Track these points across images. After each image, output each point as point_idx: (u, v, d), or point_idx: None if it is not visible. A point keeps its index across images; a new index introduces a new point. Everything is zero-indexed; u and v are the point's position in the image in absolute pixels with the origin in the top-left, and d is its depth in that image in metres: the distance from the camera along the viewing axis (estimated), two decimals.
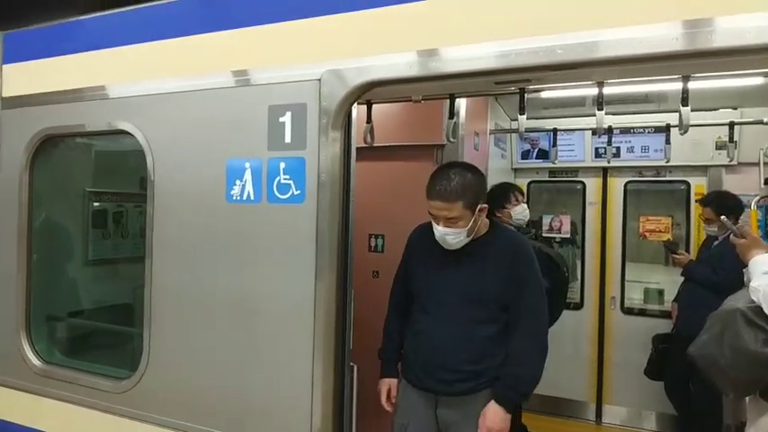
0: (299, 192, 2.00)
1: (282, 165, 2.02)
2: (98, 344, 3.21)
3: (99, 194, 3.54)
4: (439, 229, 2.17)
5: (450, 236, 2.16)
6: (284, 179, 2.02)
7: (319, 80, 1.98)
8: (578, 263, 5.02)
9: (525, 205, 3.70)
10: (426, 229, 2.29)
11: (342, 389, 2.06)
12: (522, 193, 3.83)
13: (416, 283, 2.34)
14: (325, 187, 1.97)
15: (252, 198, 2.10)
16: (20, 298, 2.75)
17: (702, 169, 4.56)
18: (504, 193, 3.64)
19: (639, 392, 4.58)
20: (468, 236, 2.18)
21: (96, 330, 3.28)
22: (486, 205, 2.23)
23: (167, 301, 2.31)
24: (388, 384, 2.39)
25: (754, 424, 1.93)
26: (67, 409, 2.56)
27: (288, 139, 2.03)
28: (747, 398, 2.03)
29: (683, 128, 2.26)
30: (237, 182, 2.11)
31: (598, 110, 2.32)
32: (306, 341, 2.00)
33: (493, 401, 2.14)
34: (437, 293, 2.25)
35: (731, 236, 2.33)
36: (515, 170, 5.17)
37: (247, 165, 2.09)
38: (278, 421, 2.07)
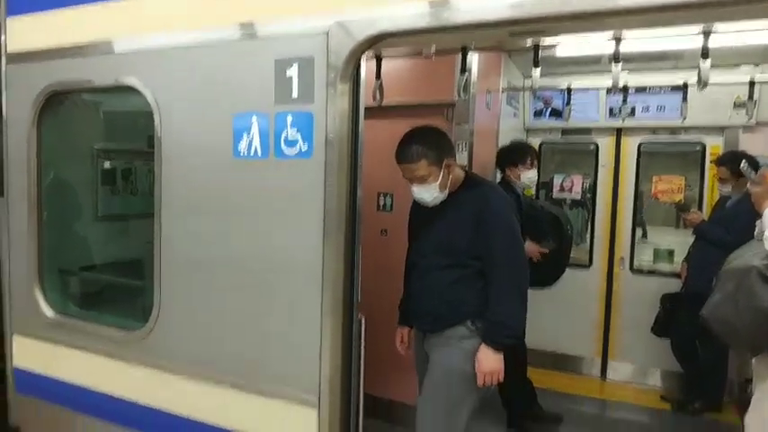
0: (306, 147, 1.99)
1: (290, 119, 2.00)
2: (110, 297, 3.27)
3: (107, 152, 3.54)
4: (414, 190, 2.33)
5: (425, 193, 2.31)
6: (291, 134, 2.00)
7: (327, 33, 1.94)
8: (588, 224, 5.00)
9: (536, 171, 3.66)
10: None
11: (350, 340, 2.10)
12: (538, 159, 3.79)
13: (411, 240, 2.58)
14: (333, 142, 1.95)
15: (259, 153, 2.09)
16: (32, 252, 2.80)
17: (719, 130, 4.46)
18: (521, 153, 3.60)
19: (645, 350, 4.63)
20: (441, 191, 2.31)
21: (108, 284, 3.34)
22: (453, 160, 2.35)
23: (177, 255, 2.34)
24: (400, 332, 2.65)
25: (760, 386, 1.93)
26: (82, 357, 2.65)
27: (295, 93, 2.00)
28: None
29: (702, 83, 2.19)
30: (245, 136, 2.09)
31: (614, 64, 2.26)
32: (314, 294, 2.03)
33: (482, 346, 2.27)
34: (419, 246, 2.47)
35: (748, 184, 2.27)
36: (527, 130, 5.08)
37: (254, 119, 2.07)
38: (288, 370, 2.12)
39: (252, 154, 2.10)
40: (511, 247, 2.31)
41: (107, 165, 3.56)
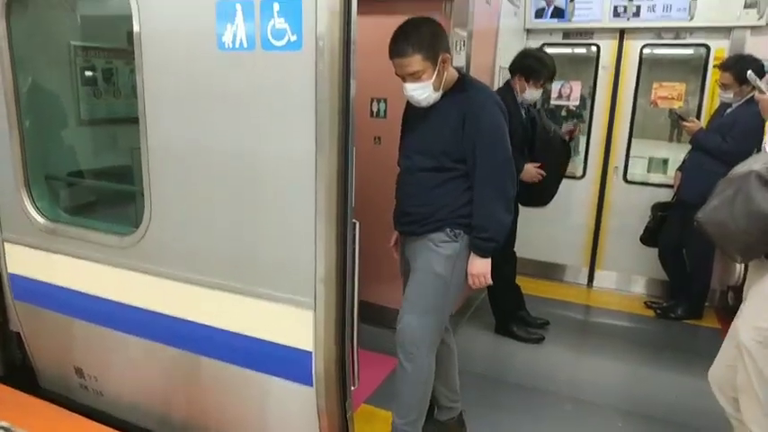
0: (295, 37, 1.85)
1: (276, 6, 1.84)
2: (99, 202, 3.22)
3: (86, 50, 3.34)
4: (407, 87, 2.21)
5: (418, 91, 2.20)
6: (279, 23, 1.85)
7: None
8: (584, 136, 4.93)
9: (541, 92, 3.53)
10: None
11: (344, 243, 2.08)
12: (551, 81, 3.62)
13: (400, 143, 2.49)
14: (324, 32, 1.81)
15: (245, 45, 1.95)
16: (16, 157, 2.70)
17: (725, 32, 4.29)
18: (538, 71, 3.41)
19: (632, 259, 4.74)
20: (435, 90, 2.21)
21: (96, 189, 3.27)
22: (448, 55, 2.21)
23: (165, 157, 2.26)
24: (395, 233, 2.63)
25: (756, 284, 1.95)
26: (75, 264, 2.64)
27: None
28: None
29: None
30: (229, 27, 1.94)
31: None
32: (308, 196, 1.98)
33: (471, 251, 2.30)
34: (405, 148, 2.42)
35: (756, 93, 2.20)
36: (528, 30, 4.86)
37: (238, 7, 1.91)
38: (283, 273, 2.11)
39: (237, 46, 1.96)
40: (495, 150, 2.21)
41: (86, 64, 3.37)
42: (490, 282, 2.34)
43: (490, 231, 2.24)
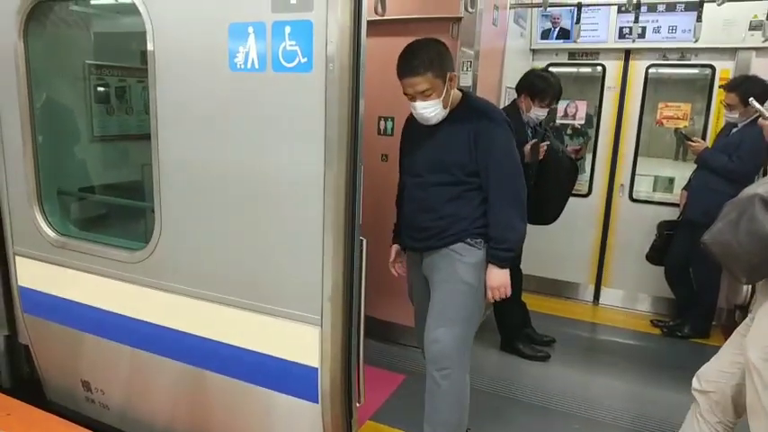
0: (305, 59, 1.89)
1: (288, 29, 1.89)
2: (110, 218, 3.26)
3: (99, 68, 3.41)
4: (416, 106, 2.25)
5: (428, 109, 2.24)
6: (290, 45, 1.90)
7: None
8: (590, 154, 4.95)
9: (546, 112, 3.55)
10: (411, 116, 2.42)
11: (352, 261, 2.10)
12: (557, 101, 3.68)
13: (403, 160, 2.54)
14: (334, 55, 1.86)
15: (256, 66, 1.99)
16: (29, 172, 2.75)
17: (731, 53, 4.32)
18: (545, 91, 3.44)
19: (638, 276, 4.72)
20: (444, 107, 2.26)
21: (108, 205, 3.31)
22: (455, 74, 2.29)
23: (176, 175, 2.30)
24: (394, 249, 2.66)
25: (765, 305, 1.97)
26: (85, 278, 2.67)
27: None
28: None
29: None
30: (241, 48, 1.98)
31: None
32: (316, 214, 2.00)
33: (489, 263, 2.32)
34: (413, 165, 2.43)
35: (759, 119, 2.23)
36: (534, 51, 4.91)
37: (250, 29, 1.96)
38: (291, 290, 2.13)
39: (249, 67, 2.01)
40: (508, 163, 2.29)
41: (100, 82, 3.43)
42: (510, 292, 2.35)
43: (509, 241, 2.28)
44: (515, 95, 3.60)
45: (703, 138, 4.41)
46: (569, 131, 5.29)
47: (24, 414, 2.80)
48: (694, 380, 2.23)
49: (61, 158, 3.04)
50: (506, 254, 2.29)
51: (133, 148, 3.45)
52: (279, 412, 2.27)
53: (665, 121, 4.69)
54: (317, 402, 2.15)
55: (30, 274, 2.90)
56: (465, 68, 3.45)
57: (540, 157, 3.40)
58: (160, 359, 2.51)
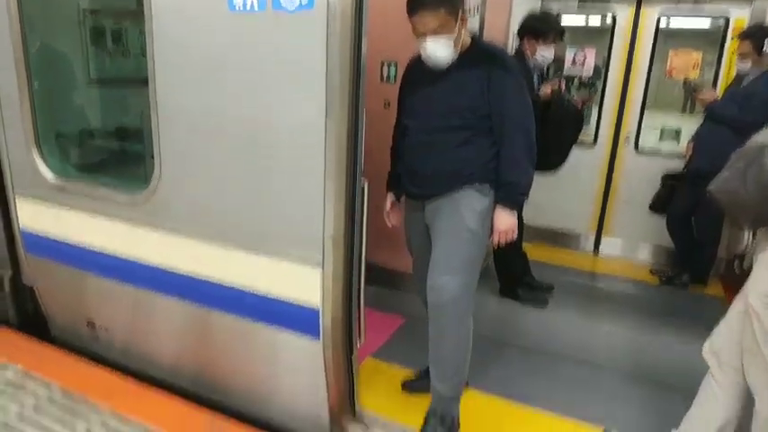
0: None
1: None
2: (110, 161, 3.25)
3: (94, 11, 3.32)
4: (427, 46, 2.17)
5: (440, 49, 2.16)
6: None
7: None
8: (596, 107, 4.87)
9: (553, 50, 3.46)
10: (414, 60, 2.39)
11: (353, 204, 2.10)
12: (562, 39, 3.58)
13: (404, 105, 2.46)
14: None
15: (255, 6, 1.93)
16: (26, 115, 2.72)
17: (747, 1, 4.18)
18: (546, 27, 3.39)
19: (639, 226, 4.74)
20: (455, 47, 2.18)
21: (107, 148, 3.30)
22: (466, 16, 2.22)
23: (175, 117, 2.28)
24: (389, 199, 2.59)
25: (764, 252, 1.98)
26: (86, 220, 2.68)
27: None
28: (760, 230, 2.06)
29: None
30: None
31: None
32: (317, 157, 1.99)
33: (498, 206, 2.30)
34: (418, 109, 2.36)
35: None
36: None
37: None
38: (292, 231, 2.14)
39: (248, 8, 1.95)
40: (523, 105, 2.25)
41: (94, 23, 3.35)
42: (516, 236, 2.35)
43: (521, 185, 2.28)
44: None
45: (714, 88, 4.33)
46: (576, 84, 5.19)
47: (31, 348, 2.88)
48: (706, 343, 2.22)
49: (58, 101, 3.00)
50: (519, 197, 2.30)
51: (130, 92, 3.40)
52: (282, 349, 2.33)
53: (674, 72, 4.59)
54: (319, 339, 2.20)
55: (30, 215, 2.92)
56: (472, 13, 3.36)
57: (545, 97, 3.35)
58: (164, 299, 2.56)
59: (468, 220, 2.27)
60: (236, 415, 2.49)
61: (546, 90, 3.42)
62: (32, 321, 3.23)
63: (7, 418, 2.34)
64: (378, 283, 3.42)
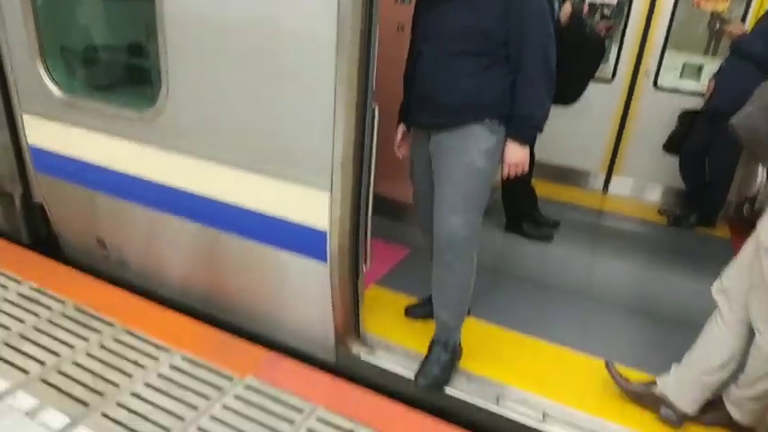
0: None
1: None
2: (117, 78, 3.18)
3: None
4: None
5: None
6: None
7: None
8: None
9: None
10: None
11: (363, 128, 2.06)
12: None
13: (416, 28, 2.33)
14: None
15: None
16: (29, 28, 2.64)
17: None
18: None
19: (650, 166, 4.67)
20: None
21: (114, 64, 3.21)
22: None
23: (182, 32, 2.21)
24: (400, 130, 2.51)
25: None
26: (93, 137, 2.66)
27: None
28: None
29: None
30: None
31: None
32: (328, 79, 1.94)
33: (509, 139, 2.21)
34: (432, 31, 2.23)
35: None
36: None
37: None
38: (301, 153, 2.12)
39: None
40: (544, 31, 2.13)
41: None
42: (526, 169, 2.29)
43: (536, 118, 2.19)
44: None
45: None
46: (598, 15, 4.97)
47: (44, 266, 2.93)
48: (715, 282, 2.20)
49: (63, 14, 2.90)
50: (534, 131, 2.22)
51: (136, 7, 3.27)
52: (290, 271, 2.37)
53: (702, 3, 4.37)
54: (326, 262, 2.22)
55: (38, 132, 2.89)
56: None
57: (565, 18, 3.20)
58: (173, 219, 2.57)
59: (475, 159, 2.20)
60: (245, 335, 2.55)
61: (566, 9, 3.23)
62: (45, 241, 3.28)
63: (23, 328, 2.41)
64: (384, 213, 3.42)
